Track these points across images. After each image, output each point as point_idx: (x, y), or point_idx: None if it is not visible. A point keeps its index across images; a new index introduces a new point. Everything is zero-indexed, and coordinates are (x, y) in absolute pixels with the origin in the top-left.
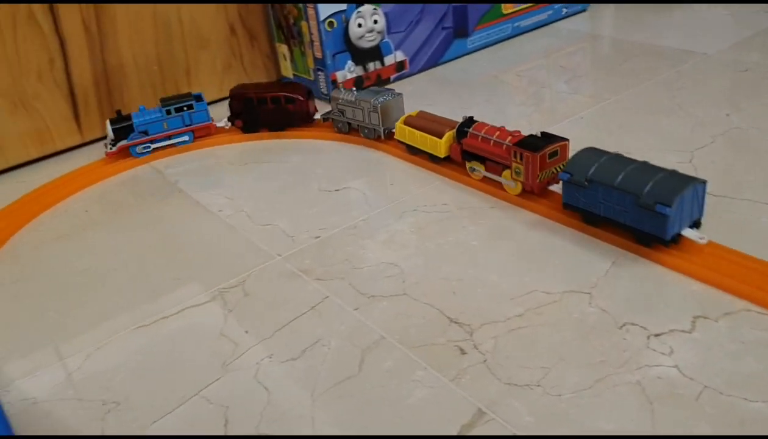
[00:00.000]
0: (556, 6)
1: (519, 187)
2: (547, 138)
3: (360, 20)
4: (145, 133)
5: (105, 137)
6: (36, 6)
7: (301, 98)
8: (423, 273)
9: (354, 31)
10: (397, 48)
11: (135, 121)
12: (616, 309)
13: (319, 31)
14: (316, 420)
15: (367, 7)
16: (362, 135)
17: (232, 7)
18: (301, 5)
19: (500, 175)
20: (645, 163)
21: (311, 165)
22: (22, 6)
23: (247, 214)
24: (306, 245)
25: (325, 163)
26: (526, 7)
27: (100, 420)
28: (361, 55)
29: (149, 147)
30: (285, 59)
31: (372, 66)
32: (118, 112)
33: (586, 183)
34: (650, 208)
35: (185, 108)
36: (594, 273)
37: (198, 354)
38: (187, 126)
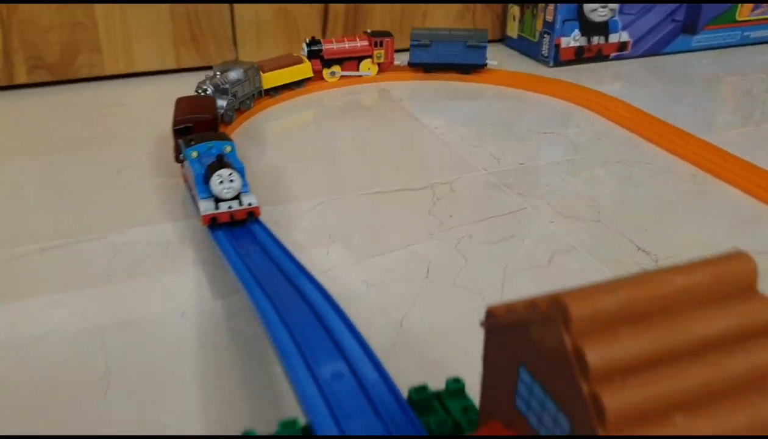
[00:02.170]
0: None
1: (376, 70)
2: (384, 33)
3: None
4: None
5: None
6: None
7: None
8: (619, 210)
9: (588, 4)
10: (624, 28)
11: None
12: None
13: None
14: (505, 290)
15: None
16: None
17: None
18: None
19: (358, 69)
20: (452, 30)
21: (519, 109)
22: None
23: (459, 135)
24: (511, 167)
25: (532, 109)
26: (763, 18)
27: (325, 247)
28: (589, 27)
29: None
30: (513, 20)
31: (596, 39)
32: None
33: (429, 43)
34: (477, 46)
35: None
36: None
37: (409, 221)
38: None
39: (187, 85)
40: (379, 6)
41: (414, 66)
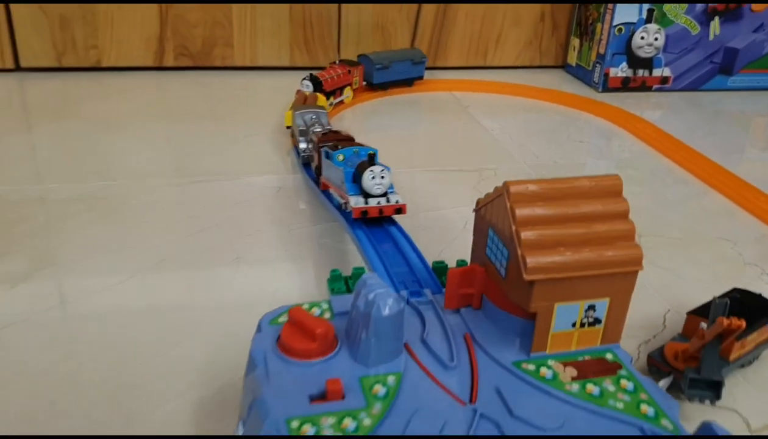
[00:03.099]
0: None
1: (352, 94)
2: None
3: (644, 34)
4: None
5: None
6: None
7: None
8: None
9: (636, 41)
10: (666, 64)
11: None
12: None
13: (609, 32)
14: None
15: (652, 26)
16: None
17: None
18: (602, 9)
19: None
20: (403, 49)
21: (566, 122)
22: None
23: (509, 136)
24: (547, 164)
25: (576, 124)
26: None
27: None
28: (635, 61)
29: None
30: (573, 50)
31: (641, 72)
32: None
33: (389, 64)
34: (420, 62)
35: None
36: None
37: (458, 192)
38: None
39: (296, 80)
40: (458, 30)
41: (375, 86)
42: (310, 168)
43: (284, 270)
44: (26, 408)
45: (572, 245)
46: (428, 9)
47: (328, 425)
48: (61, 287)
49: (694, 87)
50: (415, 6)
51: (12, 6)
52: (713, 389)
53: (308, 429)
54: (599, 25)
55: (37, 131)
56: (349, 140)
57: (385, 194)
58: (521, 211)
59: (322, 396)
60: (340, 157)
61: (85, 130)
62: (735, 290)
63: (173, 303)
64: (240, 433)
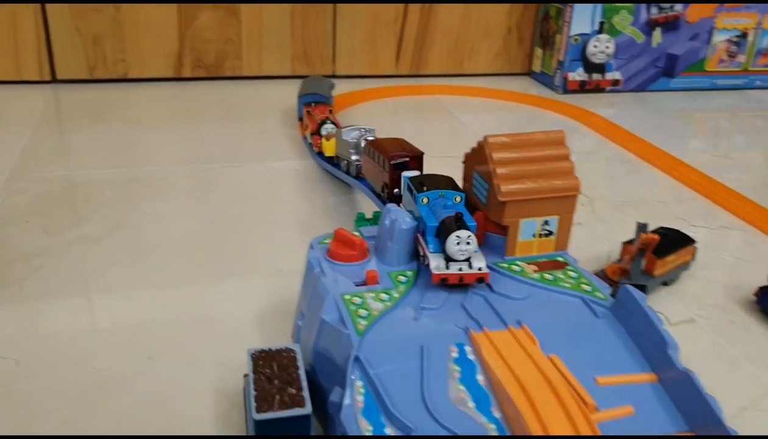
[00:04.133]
0: (752, 76)
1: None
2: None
3: (596, 43)
4: None
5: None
6: None
7: None
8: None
9: (590, 49)
10: (617, 69)
11: None
12: None
13: (567, 42)
14: None
15: (604, 36)
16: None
17: (516, 15)
18: (560, 23)
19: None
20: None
21: (531, 118)
22: None
23: (485, 130)
24: None
25: (541, 119)
26: (726, 70)
27: None
28: (590, 66)
29: None
30: (537, 58)
31: (595, 76)
32: None
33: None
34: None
35: None
36: None
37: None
38: None
39: (295, 87)
40: (437, 43)
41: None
42: (323, 157)
43: (313, 226)
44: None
45: (532, 177)
46: (411, 24)
47: (369, 297)
48: (136, 241)
49: (641, 88)
50: (399, 22)
51: (51, 24)
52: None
53: (356, 300)
54: (558, 36)
55: (81, 131)
56: (420, 159)
57: (467, 259)
58: (496, 155)
59: (363, 283)
60: (425, 201)
61: (122, 129)
62: (661, 228)
63: (230, 248)
64: (299, 324)
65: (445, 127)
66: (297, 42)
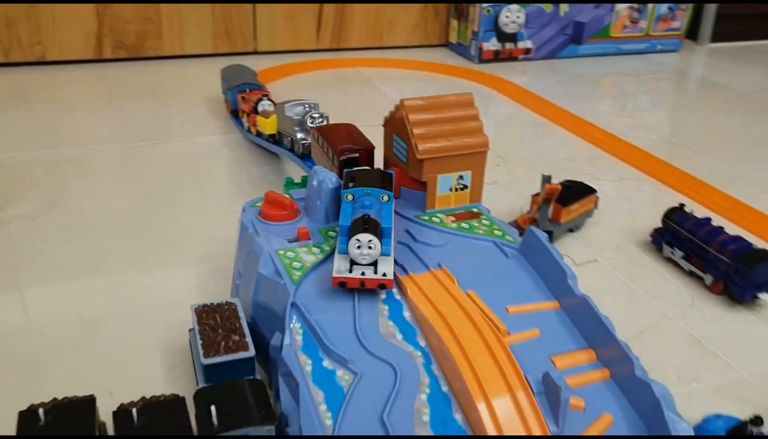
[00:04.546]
0: (653, 41)
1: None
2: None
3: (508, 13)
4: None
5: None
6: None
7: None
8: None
9: (502, 19)
10: (528, 38)
11: None
12: None
13: (480, 14)
14: None
15: (514, 6)
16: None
17: None
18: None
19: None
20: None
21: (450, 88)
22: None
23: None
24: None
25: (460, 87)
26: (630, 36)
27: None
28: (502, 36)
29: None
30: (454, 30)
31: (508, 45)
32: None
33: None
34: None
35: None
36: None
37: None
38: None
39: (219, 64)
40: (357, 17)
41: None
42: (263, 137)
43: (243, 194)
44: None
45: (446, 136)
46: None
47: (302, 251)
48: (73, 217)
49: (551, 55)
50: None
51: None
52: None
53: (290, 254)
54: (471, 9)
55: (2, 114)
56: (370, 153)
57: (374, 262)
58: (413, 116)
59: (295, 240)
60: (349, 197)
61: (46, 111)
62: (566, 180)
63: (165, 219)
64: (237, 283)
65: (366, 98)
66: (218, 20)
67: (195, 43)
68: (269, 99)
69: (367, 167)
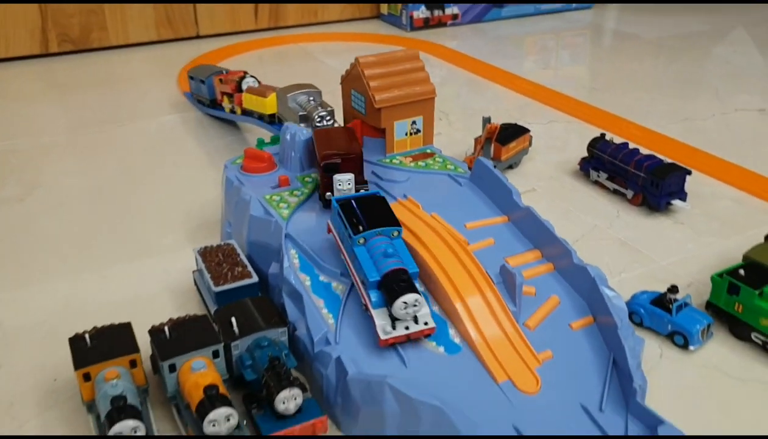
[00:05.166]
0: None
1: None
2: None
3: None
4: None
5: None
6: None
7: None
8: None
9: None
10: (455, 4)
11: None
12: None
13: None
14: None
15: None
16: None
17: None
18: None
19: None
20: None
21: None
22: None
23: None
24: None
25: None
26: None
27: None
28: (431, 4)
29: None
30: (384, 2)
31: (436, 12)
32: None
33: (204, 79)
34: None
35: None
36: None
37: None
38: None
39: (165, 52)
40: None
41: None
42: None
43: (213, 163)
44: None
45: (398, 86)
46: None
47: (286, 194)
48: (57, 196)
49: (477, 20)
50: None
51: None
52: None
53: (275, 198)
54: None
55: None
56: (358, 159)
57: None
58: (368, 71)
59: (277, 186)
60: (361, 241)
61: (2, 106)
62: (503, 124)
63: (146, 189)
64: (228, 231)
65: (310, 69)
66: (159, 8)
67: (139, 31)
68: (252, 76)
69: (363, 197)
